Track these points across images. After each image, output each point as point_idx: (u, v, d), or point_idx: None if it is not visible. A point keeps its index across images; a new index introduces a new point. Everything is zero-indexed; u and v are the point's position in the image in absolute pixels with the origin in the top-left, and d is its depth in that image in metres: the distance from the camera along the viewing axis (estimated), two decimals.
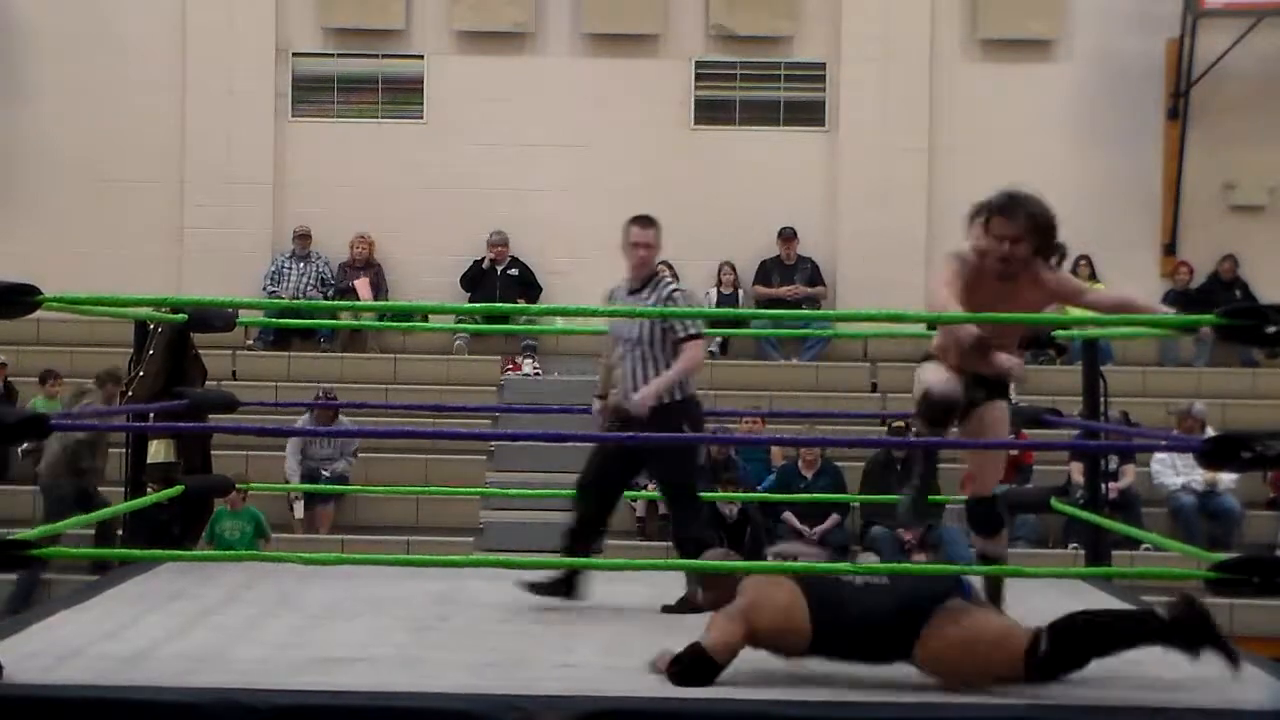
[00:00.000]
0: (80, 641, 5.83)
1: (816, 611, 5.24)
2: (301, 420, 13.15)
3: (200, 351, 8.16)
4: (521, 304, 15.62)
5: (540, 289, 16.14)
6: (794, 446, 13.12)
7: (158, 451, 8.62)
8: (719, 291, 16.16)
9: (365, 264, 16.29)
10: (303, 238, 16.24)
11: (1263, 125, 16.37)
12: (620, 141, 16.43)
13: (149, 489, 7.93)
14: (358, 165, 16.42)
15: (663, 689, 5.23)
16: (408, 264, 16.48)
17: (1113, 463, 11.55)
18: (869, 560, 12.08)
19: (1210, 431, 12.40)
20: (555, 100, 16.48)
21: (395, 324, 15.71)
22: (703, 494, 12.06)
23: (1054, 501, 8.23)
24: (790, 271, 16.31)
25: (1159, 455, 13.41)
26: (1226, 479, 13.19)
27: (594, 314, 6.67)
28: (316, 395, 13.19)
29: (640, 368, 6.93)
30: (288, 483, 13.01)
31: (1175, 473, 13.42)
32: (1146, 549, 11.34)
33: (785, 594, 5.29)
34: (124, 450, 7.84)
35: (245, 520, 11.60)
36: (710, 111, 16.64)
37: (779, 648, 5.32)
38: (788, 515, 12.77)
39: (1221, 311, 5.30)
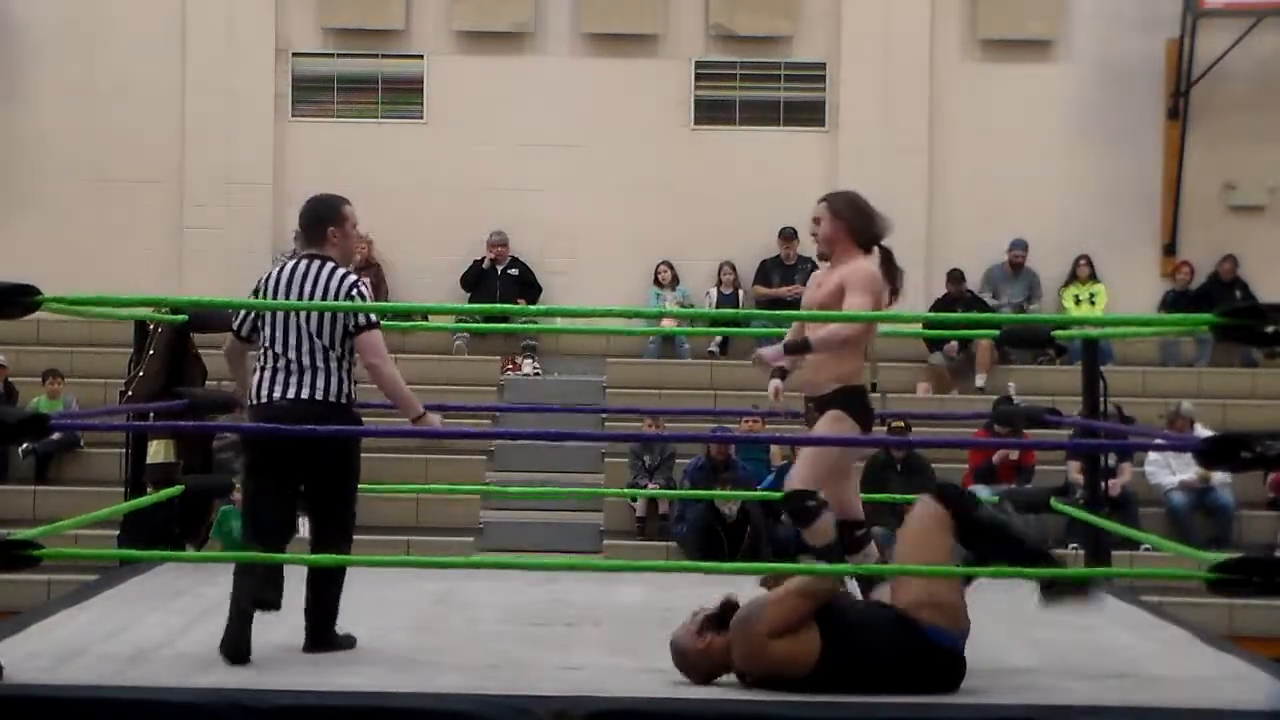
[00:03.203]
0: (80, 641, 5.83)
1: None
2: None
3: (200, 351, 8.17)
4: (522, 304, 15.63)
5: (540, 289, 16.13)
6: (794, 446, 13.10)
7: (158, 451, 8.64)
8: (719, 291, 16.16)
9: (365, 264, 16.26)
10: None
11: (1263, 125, 16.36)
12: (620, 141, 16.43)
13: (149, 489, 7.95)
14: (358, 165, 16.39)
15: (663, 690, 5.23)
16: (408, 264, 16.47)
17: (1110, 460, 11.55)
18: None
19: (1200, 429, 12.40)
20: (555, 100, 16.48)
21: (395, 324, 15.69)
22: (703, 494, 12.16)
23: (1054, 501, 8.24)
24: (790, 271, 16.30)
25: (1153, 455, 13.41)
26: (1220, 475, 13.17)
27: (594, 314, 6.64)
28: None
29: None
30: None
31: (1170, 472, 13.42)
32: (1146, 549, 11.34)
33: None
34: (124, 450, 7.84)
35: None
36: (710, 111, 16.64)
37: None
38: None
39: (1220, 311, 5.30)
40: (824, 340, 6.15)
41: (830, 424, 6.21)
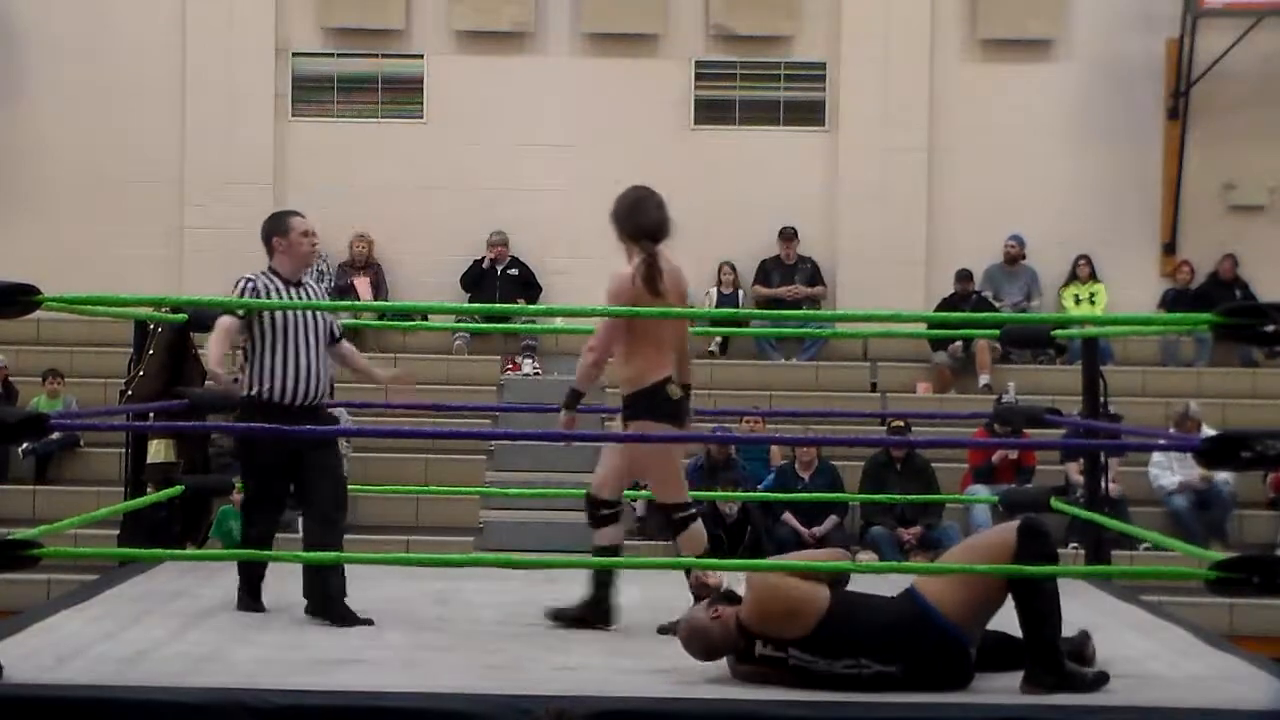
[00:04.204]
0: (80, 641, 5.83)
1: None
2: None
3: (200, 351, 8.17)
4: (521, 304, 15.63)
5: (540, 289, 16.13)
6: (794, 446, 13.12)
7: (158, 451, 8.63)
8: (719, 291, 16.16)
9: (365, 264, 16.29)
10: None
11: (1263, 125, 16.35)
12: (620, 141, 16.41)
13: (149, 489, 7.95)
14: (358, 165, 16.41)
15: (663, 690, 5.23)
16: (408, 264, 16.47)
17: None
18: (868, 560, 12.08)
19: (1207, 431, 12.39)
20: (555, 100, 16.48)
21: (395, 324, 15.71)
22: (702, 494, 12.15)
23: (1054, 501, 8.24)
24: (790, 271, 16.30)
25: (1156, 456, 13.39)
26: (1221, 475, 13.15)
27: (595, 314, 6.61)
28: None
29: (320, 360, 6.77)
30: None
31: (1172, 473, 13.40)
32: (1146, 548, 11.34)
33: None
34: (124, 450, 7.85)
35: None
36: (710, 111, 16.63)
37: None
38: (787, 515, 12.77)
39: (1220, 311, 5.30)
40: (580, 374, 6.39)
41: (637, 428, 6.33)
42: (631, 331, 6.27)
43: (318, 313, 6.78)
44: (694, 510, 6.48)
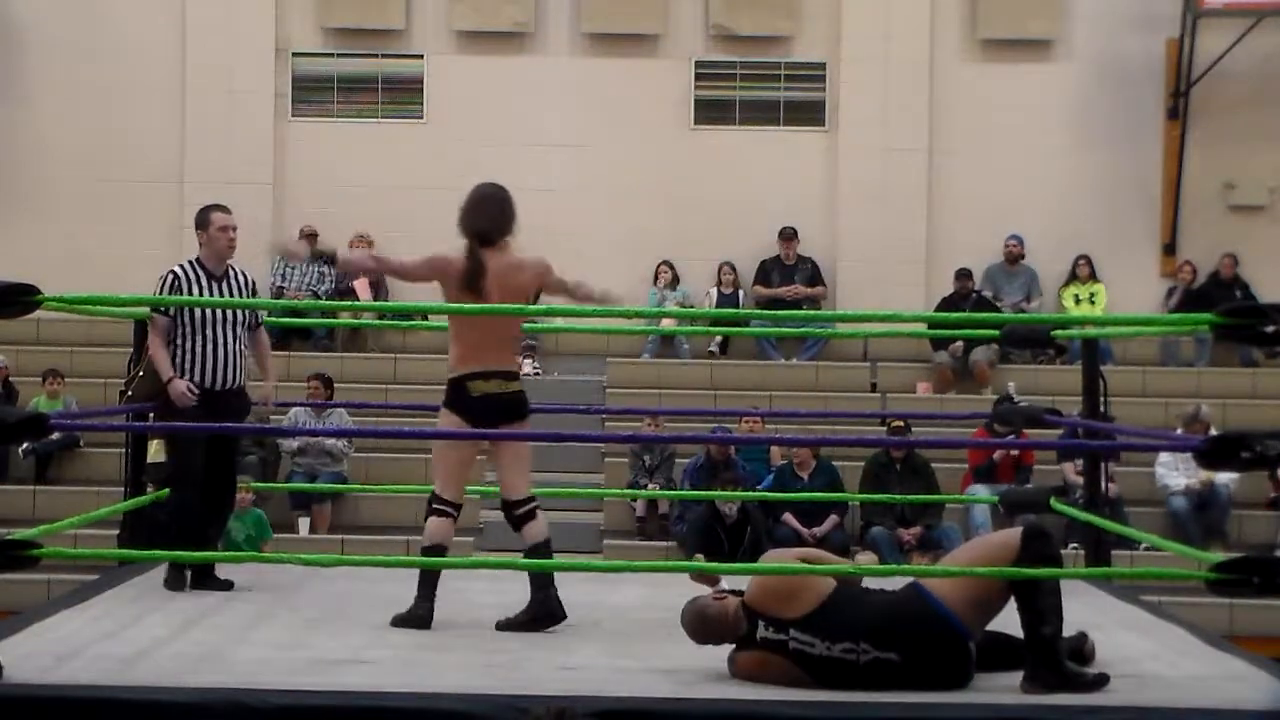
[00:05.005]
0: (80, 641, 5.83)
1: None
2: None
3: None
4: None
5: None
6: (794, 446, 13.11)
7: (158, 451, 8.64)
8: (719, 291, 16.16)
9: None
10: (310, 237, 16.24)
11: (1263, 125, 16.36)
12: (620, 141, 16.42)
13: (149, 489, 7.95)
14: (358, 165, 16.41)
15: (664, 689, 5.23)
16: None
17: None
18: (868, 560, 12.08)
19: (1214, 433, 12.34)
20: (555, 100, 16.48)
21: (395, 324, 15.70)
22: (703, 494, 12.15)
23: (1054, 501, 8.24)
24: (790, 271, 16.30)
25: (1163, 457, 13.37)
26: (1223, 477, 13.14)
27: (594, 314, 6.61)
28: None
29: (239, 347, 7.32)
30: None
31: (1179, 474, 13.37)
32: (1146, 549, 11.34)
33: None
34: (124, 450, 7.85)
35: (249, 522, 11.58)
36: (710, 111, 16.63)
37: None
38: (787, 516, 12.77)
39: (1220, 311, 5.30)
40: (356, 255, 7.32)
41: (440, 421, 6.57)
42: (456, 318, 6.39)
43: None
44: (445, 507, 6.55)
